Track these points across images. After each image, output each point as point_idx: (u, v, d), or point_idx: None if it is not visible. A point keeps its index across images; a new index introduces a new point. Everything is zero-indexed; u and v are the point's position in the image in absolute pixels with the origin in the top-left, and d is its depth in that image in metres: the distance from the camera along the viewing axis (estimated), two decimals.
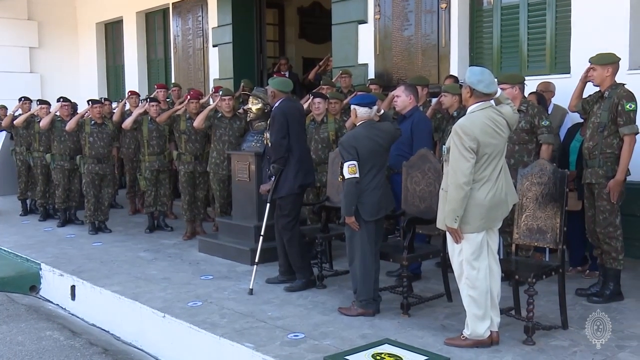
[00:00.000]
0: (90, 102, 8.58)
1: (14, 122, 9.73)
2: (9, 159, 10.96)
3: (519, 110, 5.30)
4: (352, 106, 5.00)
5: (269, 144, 5.74)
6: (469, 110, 4.21)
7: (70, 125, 8.41)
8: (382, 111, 5.08)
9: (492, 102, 4.20)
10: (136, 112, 8.51)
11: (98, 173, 8.43)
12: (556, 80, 6.78)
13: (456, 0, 7.86)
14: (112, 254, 7.30)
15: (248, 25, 11.39)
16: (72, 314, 6.36)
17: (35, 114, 9.50)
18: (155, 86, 9.97)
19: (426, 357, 4.03)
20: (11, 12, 14.44)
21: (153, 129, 8.38)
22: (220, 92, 7.91)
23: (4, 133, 11.62)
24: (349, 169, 4.75)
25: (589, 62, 5.18)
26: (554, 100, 6.65)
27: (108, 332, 5.82)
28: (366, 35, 8.92)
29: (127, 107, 9.62)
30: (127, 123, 8.42)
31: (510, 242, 4.89)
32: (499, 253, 4.63)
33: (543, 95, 6.37)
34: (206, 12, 11.78)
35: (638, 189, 5.87)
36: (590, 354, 4.08)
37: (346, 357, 4.05)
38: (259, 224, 6.17)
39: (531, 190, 4.61)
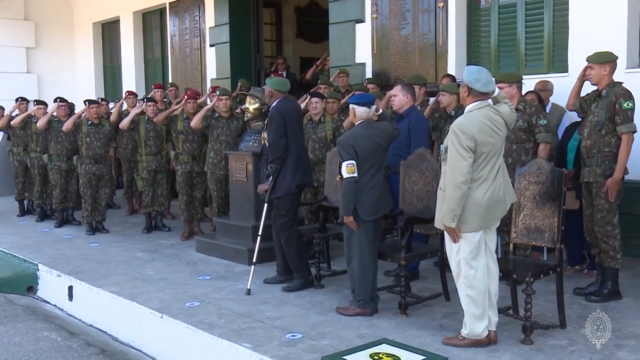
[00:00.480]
0: (87, 102, 8.57)
1: (11, 122, 9.72)
2: (6, 160, 10.93)
3: (516, 109, 5.30)
4: (351, 105, 4.98)
5: (267, 144, 5.73)
6: (466, 109, 4.20)
7: (67, 125, 8.40)
8: (381, 110, 5.07)
9: (490, 101, 4.19)
10: (133, 112, 8.49)
11: (95, 173, 8.41)
12: (554, 79, 6.77)
13: None
14: (110, 255, 7.29)
15: (245, 24, 11.37)
16: (70, 315, 6.35)
17: (32, 114, 9.48)
18: (153, 86, 9.96)
19: (424, 357, 4.01)
20: (8, 13, 14.40)
21: (150, 129, 8.36)
22: (218, 92, 7.90)
23: (0, 133, 11.59)
24: (348, 169, 4.75)
25: (587, 60, 5.17)
26: (552, 99, 6.64)
27: (105, 332, 5.80)
28: (363, 35, 8.91)
29: (125, 107, 9.61)
30: (124, 123, 8.40)
31: (508, 241, 4.89)
32: (496, 252, 4.62)
33: (540, 94, 6.36)
34: (203, 11, 11.76)
35: (636, 187, 5.87)
36: (589, 353, 4.08)
37: (344, 357, 4.04)
38: (256, 224, 6.16)
39: (529, 189, 4.60)
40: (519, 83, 5.59)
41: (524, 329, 4.28)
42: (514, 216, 4.66)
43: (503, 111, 4.18)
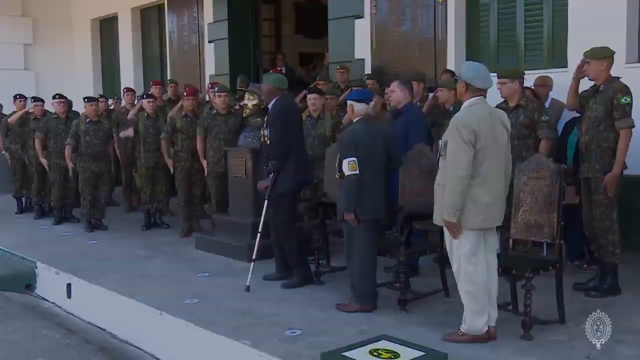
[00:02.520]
0: (86, 100, 8.54)
1: (8, 120, 9.69)
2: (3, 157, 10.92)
3: (518, 105, 5.31)
4: (349, 102, 4.97)
5: (267, 141, 5.70)
6: (464, 104, 4.19)
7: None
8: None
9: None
10: (132, 111, 8.48)
11: (94, 171, 8.39)
12: (554, 74, 6.75)
13: None
14: (108, 252, 7.27)
15: (244, 20, 11.36)
16: (68, 312, 6.32)
17: (30, 111, 9.45)
18: (151, 82, 9.94)
19: (423, 353, 4.00)
20: (5, 9, 14.37)
21: (149, 126, 8.33)
22: (216, 89, 7.87)
23: None
24: (350, 165, 4.73)
25: (583, 56, 5.16)
26: (552, 94, 6.63)
27: (104, 330, 5.78)
28: (363, 30, 8.89)
29: (123, 103, 9.58)
30: (127, 133, 8.42)
31: (507, 237, 4.87)
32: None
33: (536, 90, 6.35)
34: (202, 7, 11.73)
35: (636, 182, 5.85)
36: (588, 348, 4.04)
37: (344, 354, 4.02)
38: (255, 221, 6.14)
39: (528, 184, 4.58)
40: (521, 79, 5.58)
41: (524, 325, 4.27)
42: (513, 212, 4.64)
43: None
